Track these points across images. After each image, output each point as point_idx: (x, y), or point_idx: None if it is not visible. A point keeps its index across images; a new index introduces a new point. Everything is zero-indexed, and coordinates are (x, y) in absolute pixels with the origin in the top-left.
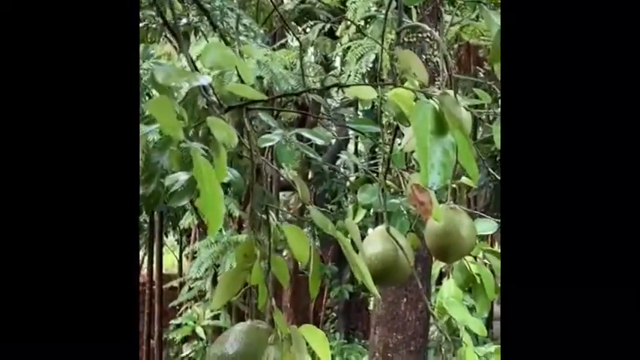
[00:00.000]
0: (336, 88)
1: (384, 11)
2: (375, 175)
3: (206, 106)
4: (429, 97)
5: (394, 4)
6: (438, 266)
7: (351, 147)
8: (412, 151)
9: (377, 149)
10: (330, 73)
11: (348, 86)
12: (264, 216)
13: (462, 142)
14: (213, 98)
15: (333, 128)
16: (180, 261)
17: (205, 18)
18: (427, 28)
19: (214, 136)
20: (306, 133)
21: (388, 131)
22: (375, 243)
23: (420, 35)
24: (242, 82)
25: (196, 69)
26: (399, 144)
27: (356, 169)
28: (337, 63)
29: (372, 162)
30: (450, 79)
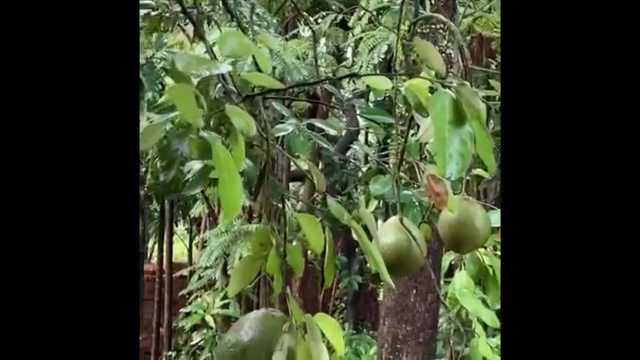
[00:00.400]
0: (347, 79)
1: (396, 2)
2: (387, 165)
3: (223, 94)
4: (446, 87)
5: None
6: (448, 258)
7: (361, 138)
8: (426, 143)
9: (389, 140)
10: (342, 64)
11: (363, 76)
12: (279, 205)
13: (480, 133)
14: (231, 86)
15: (344, 119)
16: (190, 250)
17: (217, 7)
18: (443, 18)
19: (233, 124)
20: (319, 124)
21: (401, 122)
22: (389, 233)
23: (433, 26)
24: (259, 70)
25: (214, 57)
26: (413, 134)
27: (366, 160)
28: (349, 54)
29: (383, 153)
30: (465, 70)
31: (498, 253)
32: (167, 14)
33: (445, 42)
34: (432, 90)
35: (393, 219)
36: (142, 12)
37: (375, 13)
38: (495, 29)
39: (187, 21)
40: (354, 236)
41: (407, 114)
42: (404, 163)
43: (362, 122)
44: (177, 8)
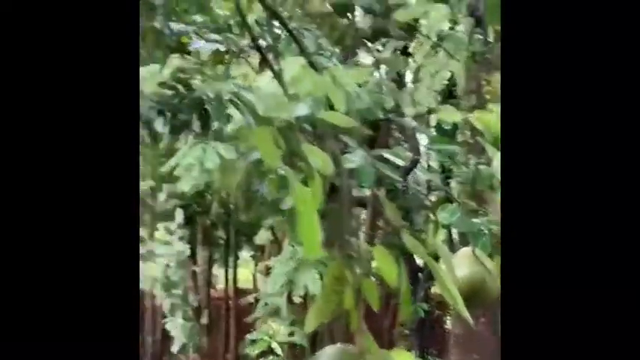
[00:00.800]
0: (409, 106)
1: (457, 28)
2: (453, 193)
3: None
4: None
5: (471, 21)
6: None
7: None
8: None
9: (452, 166)
10: (404, 91)
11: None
12: (354, 238)
13: None
14: (306, 125)
15: (405, 144)
16: (254, 276)
17: (282, 38)
18: None
19: (309, 164)
20: (387, 154)
21: (465, 148)
22: (462, 266)
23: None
24: (331, 107)
25: (285, 89)
26: (478, 163)
27: (429, 186)
28: (409, 80)
29: (446, 179)
30: None
31: None
32: (233, 48)
33: None
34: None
35: (466, 250)
36: (210, 47)
37: (436, 39)
38: None
39: (251, 53)
40: (418, 261)
41: (472, 140)
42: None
43: (423, 147)
44: (244, 42)
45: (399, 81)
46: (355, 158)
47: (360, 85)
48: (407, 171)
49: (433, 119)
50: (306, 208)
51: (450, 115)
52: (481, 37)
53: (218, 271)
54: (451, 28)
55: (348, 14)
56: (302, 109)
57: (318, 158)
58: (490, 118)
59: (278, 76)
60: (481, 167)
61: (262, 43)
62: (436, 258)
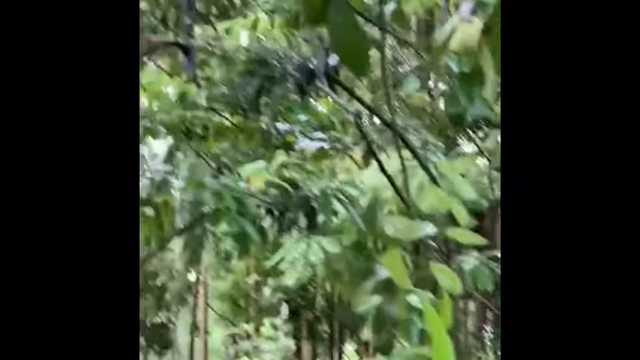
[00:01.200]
0: None
1: None
2: None
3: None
4: None
5: None
6: None
7: None
8: None
9: None
10: None
11: None
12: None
13: None
14: (432, 242)
15: None
16: None
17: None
18: None
19: (439, 283)
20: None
21: None
22: None
23: None
24: (455, 222)
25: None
26: None
27: None
28: None
29: None
30: None
31: None
32: (338, 145)
33: None
34: None
35: None
36: (315, 145)
37: None
38: None
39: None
40: None
41: None
42: None
43: None
44: (347, 139)
45: None
46: (470, 260)
47: (463, 175)
48: None
49: None
50: (438, 328)
51: None
52: None
53: None
54: None
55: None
56: (430, 230)
57: (447, 277)
58: None
59: (385, 170)
60: None
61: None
62: None
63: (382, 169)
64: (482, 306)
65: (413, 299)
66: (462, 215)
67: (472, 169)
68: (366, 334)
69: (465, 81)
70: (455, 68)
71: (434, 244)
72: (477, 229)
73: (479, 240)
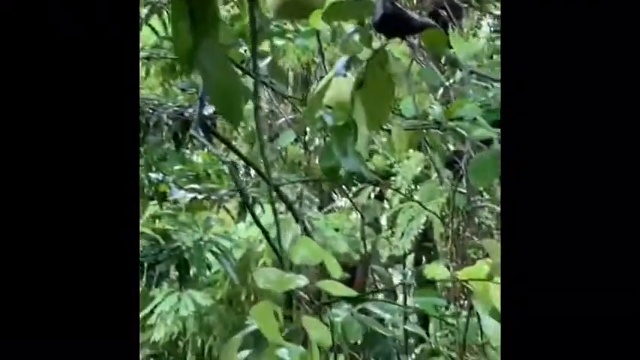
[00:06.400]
0: (386, 248)
1: (433, 175)
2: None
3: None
4: None
5: (448, 172)
6: None
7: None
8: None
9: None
10: (381, 235)
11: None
12: None
13: None
14: (303, 294)
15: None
16: None
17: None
18: (494, 206)
19: (309, 337)
20: (373, 308)
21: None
22: None
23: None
24: (327, 275)
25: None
26: (466, 316)
27: (406, 332)
28: (385, 224)
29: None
30: None
31: None
32: (213, 197)
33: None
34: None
35: None
36: (190, 196)
37: (411, 186)
38: None
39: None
40: None
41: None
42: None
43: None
44: (223, 191)
45: (376, 225)
46: (340, 312)
47: (337, 230)
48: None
49: (409, 263)
50: None
51: (436, 272)
52: (463, 191)
53: None
54: (427, 175)
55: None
56: (302, 282)
57: (317, 330)
58: (476, 274)
59: (259, 222)
60: (469, 320)
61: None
62: None
63: (256, 222)
64: (351, 358)
65: (283, 352)
66: (334, 267)
67: (346, 224)
68: None
69: (339, 134)
70: (329, 122)
71: (306, 296)
72: (348, 282)
73: (349, 292)
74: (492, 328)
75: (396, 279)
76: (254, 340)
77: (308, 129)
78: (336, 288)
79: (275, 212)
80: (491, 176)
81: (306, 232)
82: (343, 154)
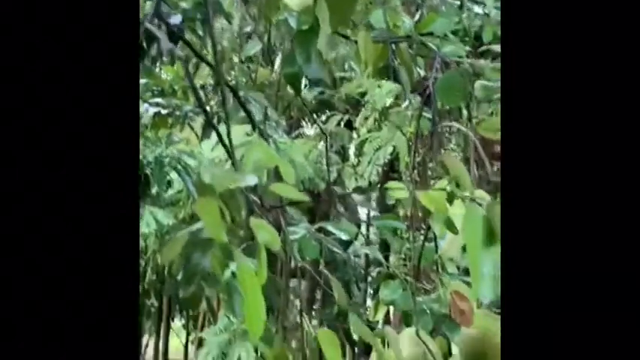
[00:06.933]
0: (352, 178)
1: (403, 104)
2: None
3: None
4: (474, 202)
5: (418, 98)
6: None
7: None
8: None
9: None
10: (347, 163)
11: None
12: (297, 319)
13: None
14: (254, 197)
15: (343, 217)
16: (186, 347)
17: (225, 105)
18: (459, 126)
19: (257, 238)
20: (331, 228)
21: (406, 223)
22: (405, 348)
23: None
24: (280, 179)
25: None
26: (426, 239)
27: (367, 260)
28: (353, 153)
29: (386, 254)
30: (479, 179)
31: None
32: (177, 112)
33: (452, 145)
34: (448, 200)
35: (409, 331)
36: (153, 111)
37: (380, 115)
38: (498, 132)
39: (195, 118)
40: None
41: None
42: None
43: (363, 217)
44: (187, 107)
45: (343, 154)
46: (299, 230)
47: (305, 157)
48: (347, 244)
49: (375, 193)
50: (252, 284)
51: (397, 191)
52: (428, 115)
53: (149, 341)
54: (397, 104)
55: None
56: (251, 180)
57: (266, 232)
58: (434, 196)
59: (224, 142)
60: (426, 244)
61: (208, 108)
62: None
63: (220, 141)
64: (312, 281)
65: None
66: (288, 173)
67: (314, 152)
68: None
69: (302, 39)
70: (293, 25)
71: (257, 199)
72: (312, 209)
73: (301, 197)
74: (446, 241)
75: (361, 209)
76: (197, 239)
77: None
78: (287, 191)
79: (227, 115)
80: (459, 96)
81: (270, 153)
82: (306, 60)
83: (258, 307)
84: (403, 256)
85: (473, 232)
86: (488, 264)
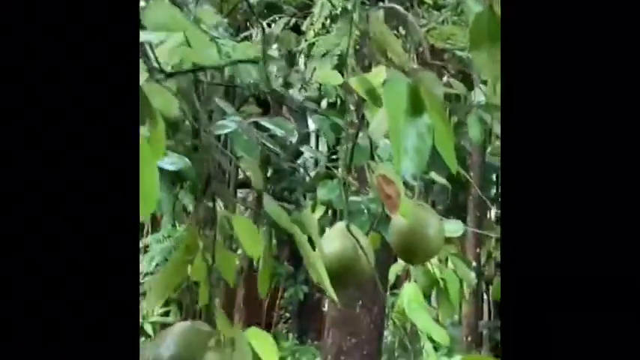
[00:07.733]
0: (299, 85)
1: (350, 5)
2: (336, 171)
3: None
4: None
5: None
6: (395, 269)
7: (312, 143)
8: (377, 147)
9: (338, 146)
10: (294, 68)
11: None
12: (210, 204)
13: (441, 125)
14: (154, 63)
15: (292, 125)
16: None
17: None
18: (402, 10)
19: (151, 105)
20: (266, 123)
21: (351, 129)
22: (334, 241)
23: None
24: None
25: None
26: (356, 137)
27: (316, 166)
28: (301, 58)
29: (333, 157)
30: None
31: (450, 265)
32: None
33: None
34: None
35: (339, 225)
36: None
37: (327, 19)
38: (449, 41)
39: None
40: None
41: (358, 114)
42: (354, 168)
43: (312, 128)
44: None
45: (290, 59)
46: (229, 124)
47: (252, 61)
48: (294, 151)
49: (324, 101)
50: (146, 156)
51: (332, 78)
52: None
53: None
54: (344, 9)
55: None
56: (150, 36)
57: (160, 98)
58: (371, 79)
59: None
60: (360, 142)
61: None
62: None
63: None
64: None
65: None
66: (200, 41)
67: (259, 56)
68: None
69: None
70: None
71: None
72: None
73: (212, 60)
74: (375, 124)
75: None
76: None
77: None
78: (196, 55)
79: None
80: None
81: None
82: None
83: (151, 179)
84: (340, 155)
85: (394, 100)
86: (412, 136)
